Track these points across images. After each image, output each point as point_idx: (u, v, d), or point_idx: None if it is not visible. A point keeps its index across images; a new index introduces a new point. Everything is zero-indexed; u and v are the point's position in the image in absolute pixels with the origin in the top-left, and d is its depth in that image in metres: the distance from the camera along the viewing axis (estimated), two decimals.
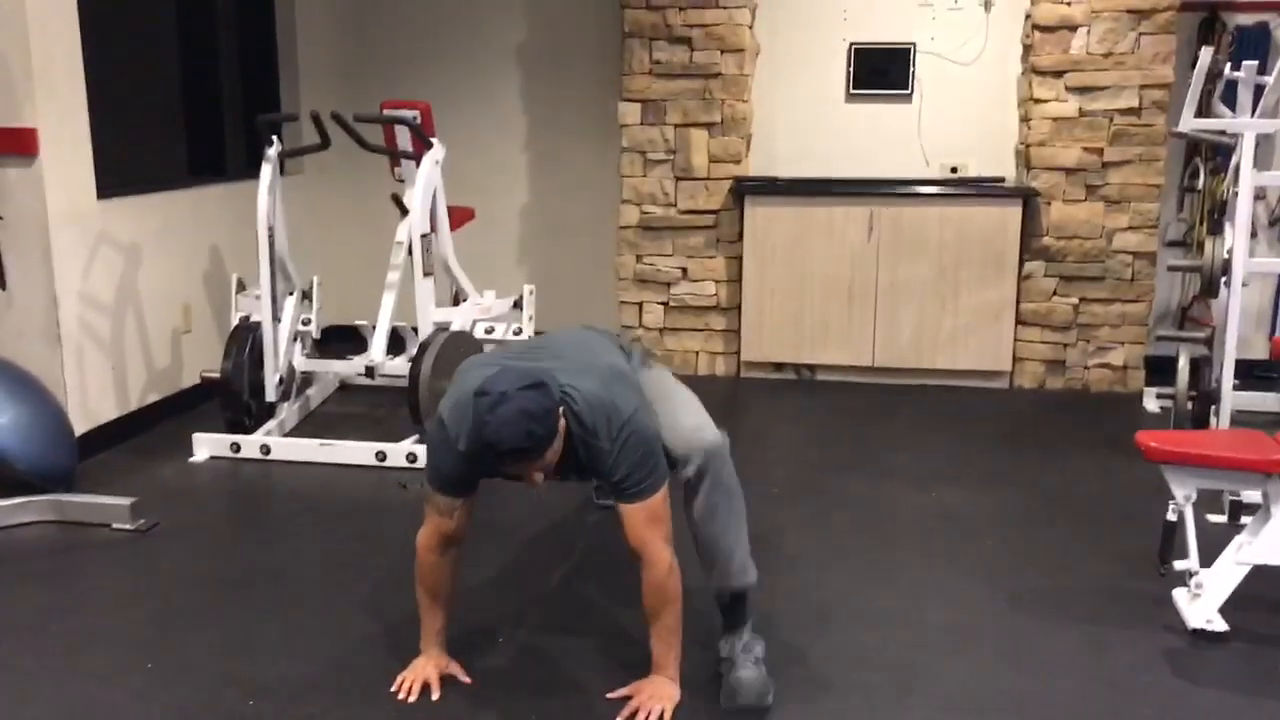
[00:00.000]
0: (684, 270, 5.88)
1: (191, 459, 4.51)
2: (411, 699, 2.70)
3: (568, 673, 2.85)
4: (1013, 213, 5.48)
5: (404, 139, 4.83)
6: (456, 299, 5.07)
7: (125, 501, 3.81)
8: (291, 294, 4.90)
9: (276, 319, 4.65)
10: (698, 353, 5.96)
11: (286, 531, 3.90)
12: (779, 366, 5.87)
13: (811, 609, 3.21)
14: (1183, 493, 3.06)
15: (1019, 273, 5.55)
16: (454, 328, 4.67)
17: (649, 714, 2.62)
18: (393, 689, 2.73)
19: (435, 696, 2.71)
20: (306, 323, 5.00)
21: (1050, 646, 3.00)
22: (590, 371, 2.63)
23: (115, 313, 4.69)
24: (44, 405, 4.10)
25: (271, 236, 4.58)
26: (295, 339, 4.92)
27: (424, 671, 2.76)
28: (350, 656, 2.92)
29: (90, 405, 4.54)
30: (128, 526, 3.77)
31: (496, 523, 3.75)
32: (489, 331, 4.88)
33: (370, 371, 4.69)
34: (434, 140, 4.66)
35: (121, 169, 4.83)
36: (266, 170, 4.56)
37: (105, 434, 4.60)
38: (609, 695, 2.72)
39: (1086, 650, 2.98)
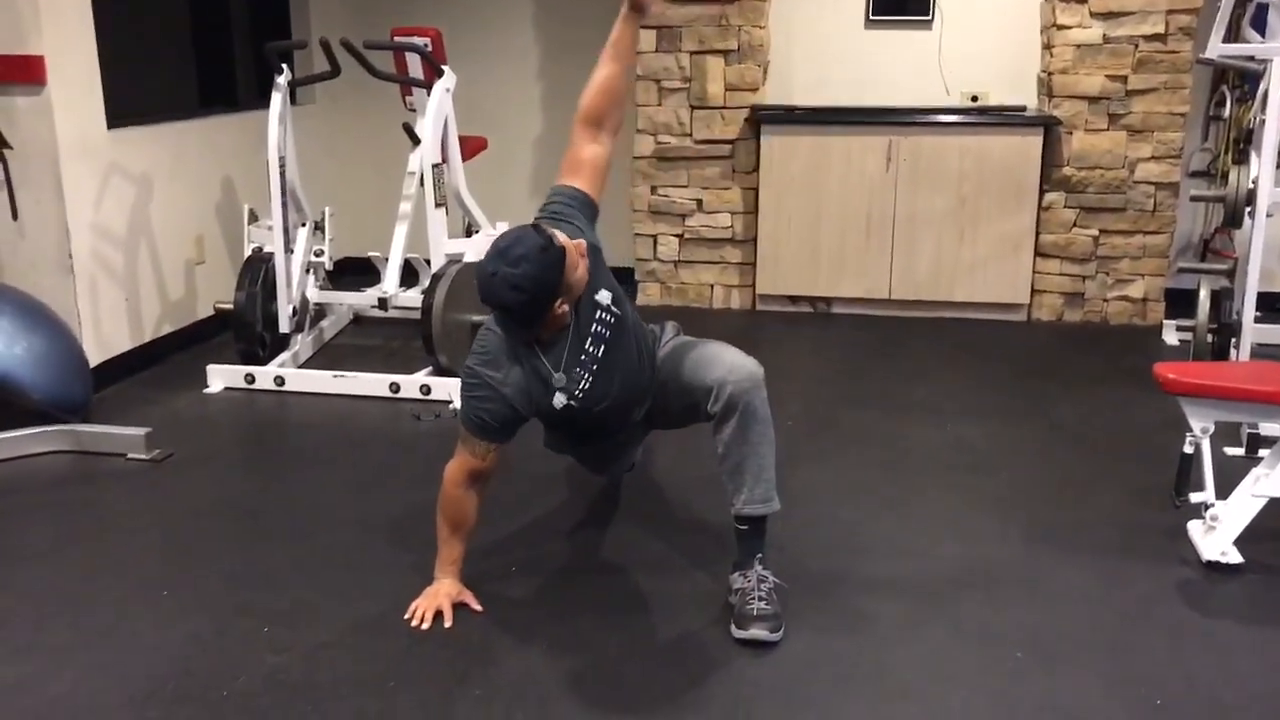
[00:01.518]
0: (699, 202, 5.82)
1: (206, 390, 4.52)
2: (425, 626, 2.71)
3: (579, 601, 2.86)
4: (1033, 142, 5.39)
5: (415, 67, 4.76)
6: (469, 230, 5.03)
7: (140, 432, 3.82)
8: (304, 225, 4.88)
9: (289, 250, 4.63)
10: (713, 286, 5.92)
11: (301, 462, 3.91)
12: (794, 299, 5.83)
13: (824, 541, 3.21)
14: (1200, 425, 3.03)
15: (1039, 204, 5.47)
16: (466, 259, 4.64)
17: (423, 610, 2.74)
18: (406, 616, 2.75)
19: (448, 624, 2.72)
20: (319, 254, 4.98)
21: (1063, 578, 2.99)
22: None
23: (128, 244, 4.67)
24: (58, 336, 4.10)
25: (282, 167, 4.54)
26: (308, 270, 4.91)
27: (437, 599, 2.77)
28: (364, 586, 2.93)
29: (104, 336, 4.54)
30: (143, 456, 3.79)
31: (518, 464, 3.75)
32: None
33: (383, 304, 4.68)
34: (445, 68, 4.59)
35: (132, 99, 4.79)
36: (276, 99, 4.50)
37: (120, 365, 4.62)
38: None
39: (1100, 582, 2.97)
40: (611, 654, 2.62)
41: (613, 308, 2.70)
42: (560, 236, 2.53)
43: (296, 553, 3.14)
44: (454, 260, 4.51)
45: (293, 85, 4.60)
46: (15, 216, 4.23)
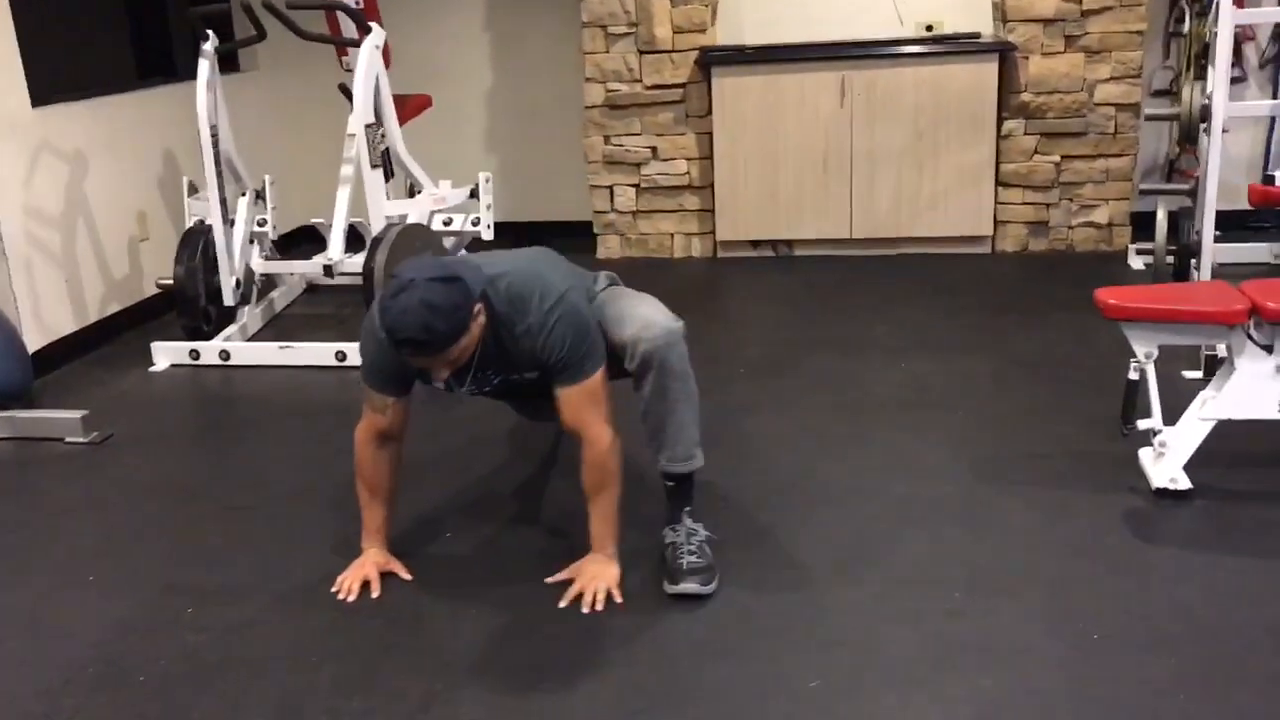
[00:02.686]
0: (654, 149, 5.70)
1: (152, 368, 4.44)
2: (350, 599, 2.65)
3: (514, 564, 2.80)
4: (989, 69, 5.26)
5: (349, 26, 4.63)
6: (412, 191, 4.93)
7: (76, 415, 3.75)
8: (244, 195, 4.77)
9: (228, 221, 4.53)
10: (672, 235, 5.82)
11: (244, 437, 3.84)
12: (756, 244, 5.73)
13: (768, 488, 3.14)
14: (1143, 350, 2.95)
15: (998, 132, 5.36)
16: (410, 220, 4.54)
17: (594, 595, 2.57)
18: (332, 589, 2.69)
19: (375, 594, 2.67)
20: (262, 224, 4.87)
21: (1011, 513, 2.92)
22: (525, 261, 2.59)
23: (64, 224, 4.57)
24: None
25: (215, 136, 4.43)
26: (252, 241, 4.81)
27: (363, 570, 2.71)
28: (298, 560, 2.87)
29: (46, 319, 4.45)
30: (81, 439, 3.72)
31: (452, 416, 3.69)
32: (447, 223, 4.75)
33: (329, 270, 4.58)
34: (373, 25, 4.46)
35: (61, 74, 4.67)
36: (204, 67, 4.38)
37: (64, 347, 4.54)
38: (549, 580, 2.67)
39: (1048, 516, 2.90)
40: (543, 616, 2.56)
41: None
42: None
43: (230, 530, 3.08)
44: (394, 223, 4.40)
45: (220, 52, 4.47)
46: None
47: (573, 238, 5.85)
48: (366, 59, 4.39)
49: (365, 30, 4.43)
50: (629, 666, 2.36)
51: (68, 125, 4.58)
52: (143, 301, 5.02)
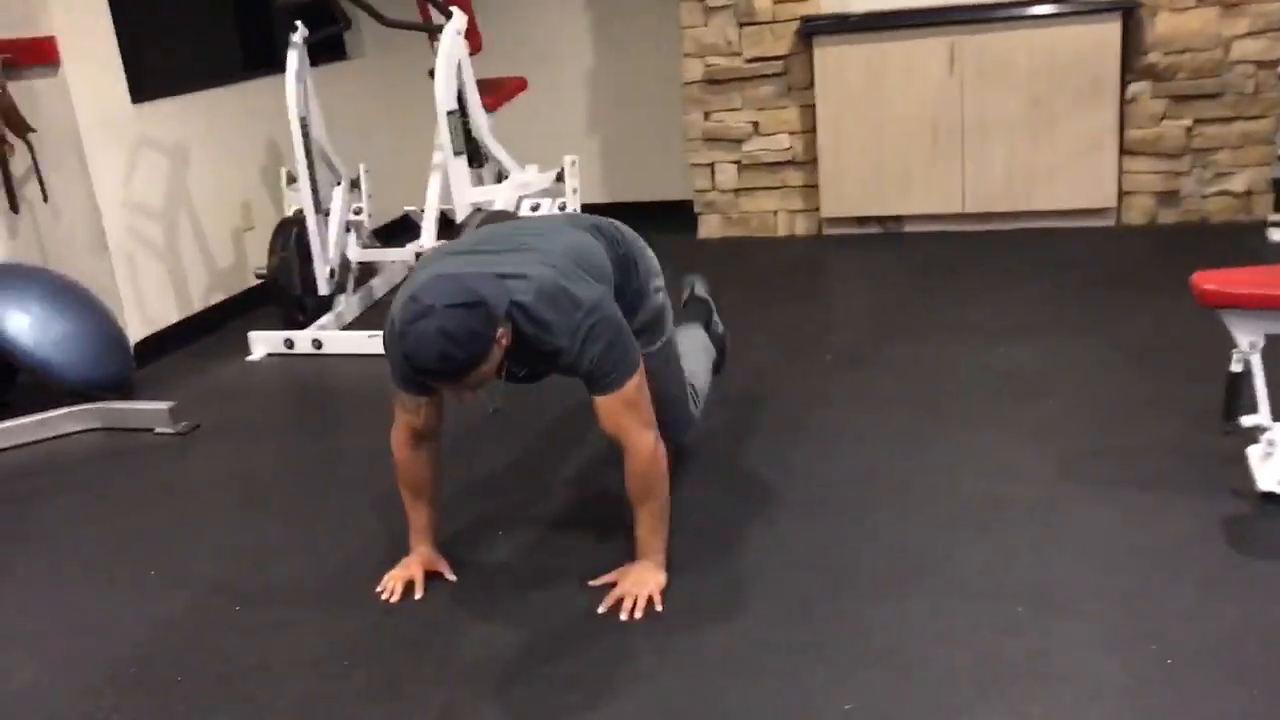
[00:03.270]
0: (755, 125, 5.52)
1: (249, 358, 4.53)
2: (394, 599, 2.62)
3: (557, 566, 2.73)
4: (1111, 29, 4.90)
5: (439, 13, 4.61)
6: (500, 177, 4.88)
7: (164, 406, 3.84)
8: (339, 184, 4.81)
9: (321, 211, 4.56)
10: (775, 213, 5.64)
11: (326, 428, 3.87)
12: (862, 221, 5.50)
13: (833, 488, 2.98)
14: (1248, 339, 2.67)
15: (1121, 97, 4.99)
16: (496, 207, 4.50)
17: (634, 602, 2.48)
18: (377, 589, 2.66)
19: (418, 595, 2.63)
20: (358, 212, 4.91)
21: (1091, 517, 2.70)
22: (550, 260, 2.42)
23: (166, 217, 4.69)
24: (93, 316, 4.14)
25: (305, 126, 4.47)
26: (348, 229, 4.85)
27: (408, 571, 2.67)
28: (351, 560, 2.85)
29: (148, 311, 4.59)
30: (169, 430, 3.81)
31: (506, 414, 3.63)
32: (534, 208, 4.69)
33: (420, 258, 4.58)
34: (453, 9, 4.41)
35: (166, 69, 4.78)
36: (292, 57, 4.41)
37: (166, 338, 4.66)
38: (591, 582, 2.59)
39: (1134, 520, 2.67)
40: (580, 625, 2.48)
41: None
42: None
43: (294, 527, 3.09)
44: (479, 210, 4.37)
45: (309, 42, 4.50)
46: (45, 199, 4.28)
47: (673, 218, 5.75)
48: (447, 44, 4.35)
49: (445, 15, 4.39)
50: (658, 683, 2.26)
51: (166, 120, 4.70)
52: (247, 291, 5.13)
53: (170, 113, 4.71)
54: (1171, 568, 2.47)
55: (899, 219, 5.44)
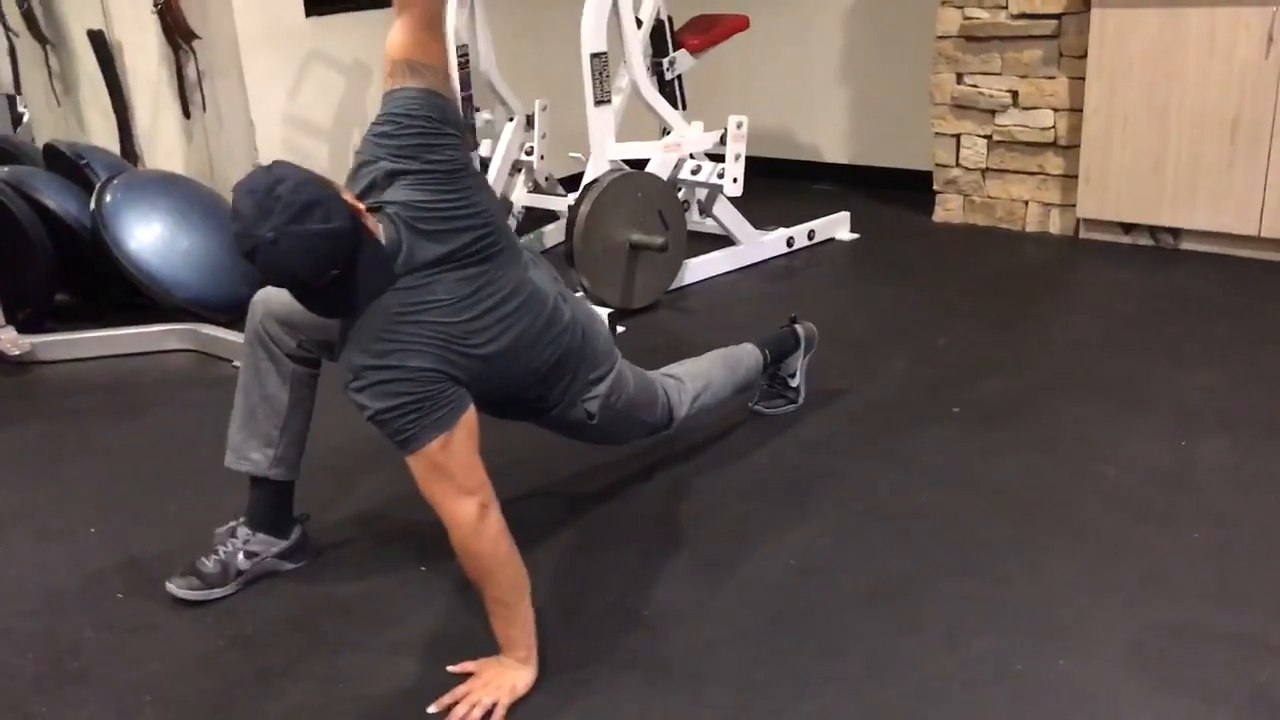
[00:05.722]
0: (1014, 95, 4.58)
1: None
2: None
3: (466, 629, 2.27)
4: None
5: None
6: (664, 132, 4.32)
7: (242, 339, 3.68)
8: (510, 120, 4.46)
9: (472, 147, 4.24)
10: (1026, 203, 4.69)
11: None
12: (1129, 228, 4.45)
13: (874, 596, 2.30)
14: None
15: None
16: (650, 167, 3.97)
17: (472, 706, 2.00)
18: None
19: None
20: (529, 153, 4.54)
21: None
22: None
23: (327, 134, 4.54)
24: (219, 234, 4.06)
25: (465, 57, 4.12)
26: (516, 170, 4.50)
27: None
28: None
29: None
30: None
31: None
32: (695, 171, 4.08)
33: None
34: None
35: None
36: None
37: None
38: (450, 669, 2.12)
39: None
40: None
41: None
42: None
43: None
44: (617, 168, 3.86)
45: None
46: (205, 108, 4.24)
47: (909, 190, 4.99)
48: None
49: None
50: None
51: (343, 36, 4.51)
52: None
53: (347, 27, 4.52)
54: None
55: (1175, 233, 4.35)
